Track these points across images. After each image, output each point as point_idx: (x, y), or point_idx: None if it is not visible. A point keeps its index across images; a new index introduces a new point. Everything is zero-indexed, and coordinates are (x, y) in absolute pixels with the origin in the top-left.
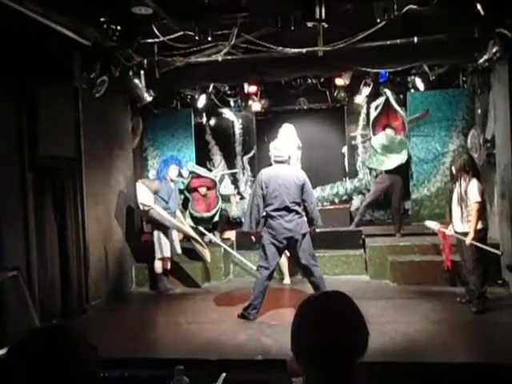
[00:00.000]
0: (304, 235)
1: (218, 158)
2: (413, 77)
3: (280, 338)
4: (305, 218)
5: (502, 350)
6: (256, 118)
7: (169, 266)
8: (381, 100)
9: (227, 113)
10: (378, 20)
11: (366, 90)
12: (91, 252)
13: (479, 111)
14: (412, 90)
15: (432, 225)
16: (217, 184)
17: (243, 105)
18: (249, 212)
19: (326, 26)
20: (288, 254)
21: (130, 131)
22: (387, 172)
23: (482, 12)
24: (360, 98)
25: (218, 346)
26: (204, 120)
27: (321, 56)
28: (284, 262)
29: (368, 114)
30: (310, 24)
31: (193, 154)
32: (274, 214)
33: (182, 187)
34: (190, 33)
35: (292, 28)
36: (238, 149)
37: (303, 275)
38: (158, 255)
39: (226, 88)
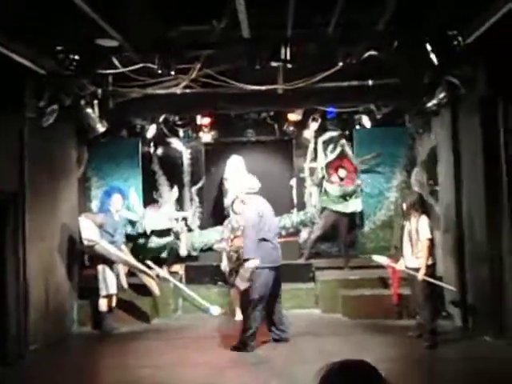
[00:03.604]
0: None
1: (165, 188)
2: (359, 115)
3: (244, 380)
4: None
5: None
6: (205, 148)
7: (114, 303)
8: (328, 135)
9: (176, 143)
10: (341, 63)
11: (314, 125)
12: (31, 291)
13: (421, 150)
14: (358, 127)
15: (381, 260)
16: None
17: (194, 135)
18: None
19: (290, 66)
20: (241, 288)
21: (75, 161)
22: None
23: (435, 61)
24: (308, 133)
25: None
26: (151, 149)
27: (280, 93)
28: (236, 296)
29: (315, 149)
30: (275, 64)
31: (139, 184)
32: (273, 241)
33: (131, 232)
34: (151, 65)
35: (257, 67)
36: (186, 179)
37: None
38: (102, 292)
39: (177, 118)
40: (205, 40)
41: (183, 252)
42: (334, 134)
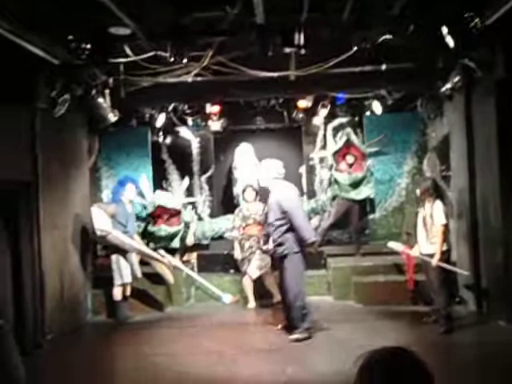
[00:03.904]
0: None
1: (174, 177)
2: (370, 100)
3: (257, 368)
4: None
5: (473, 372)
6: (214, 137)
7: (128, 291)
8: (338, 122)
9: (184, 131)
10: (356, 47)
11: (323, 112)
12: (47, 281)
13: (433, 135)
14: (368, 113)
15: (396, 246)
16: (181, 212)
17: (203, 124)
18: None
19: (303, 52)
20: (253, 276)
21: (87, 151)
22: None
23: (451, 44)
24: (318, 120)
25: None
26: (160, 138)
27: (292, 80)
28: (248, 284)
29: (325, 135)
30: (288, 50)
31: (149, 174)
32: None
33: (142, 214)
34: (163, 54)
35: (270, 53)
36: (196, 168)
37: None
38: (117, 282)
39: (186, 107)
40: (218, 26)
41: (190, 241)
42: (344, 120)
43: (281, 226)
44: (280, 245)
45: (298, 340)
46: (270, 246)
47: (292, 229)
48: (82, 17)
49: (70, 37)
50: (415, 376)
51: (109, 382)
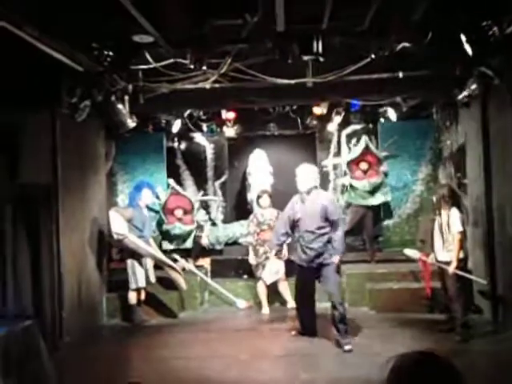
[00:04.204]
0: None
1: (189, 182)
2: (384, 107)
3: (272, 373)
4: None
5: (489, 381)
6: (228, 143)
7: (143, 296)
8: (352, 129)
9: (199, 137)
10: (373, 55)
11: (337, 119)
12: (65, 284)
13: (448, 143)
14: (382, 120)
15: (412, 253)
16: (194, 208)
17: (218, 130)
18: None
19: (322, 60)
20: (268, 282)
21: (104, 156)
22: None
23: (470, 52)
24: (332, 126)
25: None
26: (175, 144)
27: (309, 87)
28: (263, 290)
29: (339, 142)
30: (306, 58)
31: (164, 179)
32: None
33: (156, 207)
34: (182, 61)
35: (289, 61)
36: (210, 174)
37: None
38: (132, 286)
39: (201, 112)
40: (237, 34)
41: (205, 241)
42: (358, 127)
43: (323, 234)
44: (321, 254)
45: (351, 350)
46: (285, 253)
47: (330, 238)
48: (106, 24)
49: (94, 44)
50: (445, 380)
51: None
